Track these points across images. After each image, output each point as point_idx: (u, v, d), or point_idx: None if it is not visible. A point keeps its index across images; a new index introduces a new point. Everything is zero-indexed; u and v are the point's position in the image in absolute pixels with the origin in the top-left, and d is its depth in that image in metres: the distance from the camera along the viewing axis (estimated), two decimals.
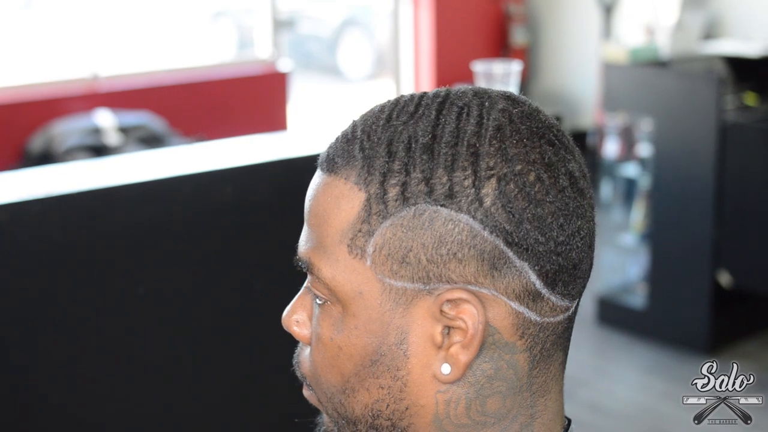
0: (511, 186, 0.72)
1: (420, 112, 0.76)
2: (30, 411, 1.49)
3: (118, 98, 4.54)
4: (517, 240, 0.72)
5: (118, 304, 1.52)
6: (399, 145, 0.75)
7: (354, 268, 0.76)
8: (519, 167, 0.73)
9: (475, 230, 0.72)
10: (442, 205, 0.72)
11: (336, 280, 0.76)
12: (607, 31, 5.89)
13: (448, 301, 0.73)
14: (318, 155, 0.83)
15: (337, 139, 0.80)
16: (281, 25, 5.54)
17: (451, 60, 5.99)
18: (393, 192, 0.74)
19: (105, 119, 4.15)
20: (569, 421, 0.82)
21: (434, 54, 6.01)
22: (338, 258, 0.76)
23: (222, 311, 1.66)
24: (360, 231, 0.75)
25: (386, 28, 6.36)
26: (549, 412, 0.79)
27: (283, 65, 5.39)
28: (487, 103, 0.76)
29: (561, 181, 0.74)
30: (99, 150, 3.94)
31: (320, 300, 0.79)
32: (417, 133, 0.75)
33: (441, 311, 0.74)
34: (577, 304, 0.79)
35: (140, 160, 1.93)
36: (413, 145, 0.74)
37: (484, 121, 0.75)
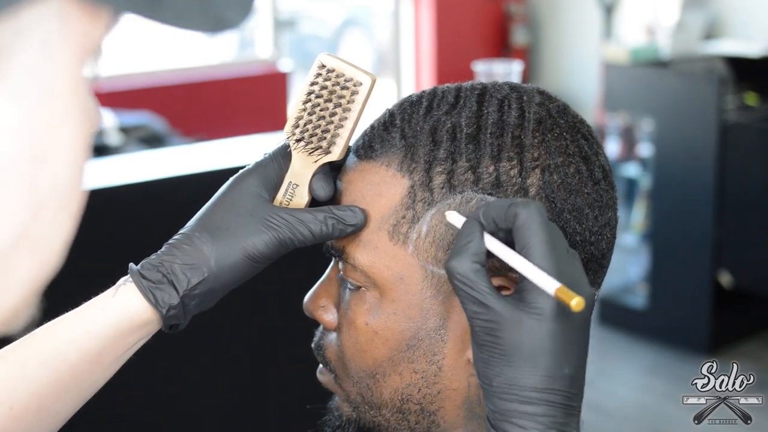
0: (555, 177, 0.75)
1: (461, 102, 0.78)
2: None
3: (119, 98, 4.54)
4: None
5: None
6: (443, 134, 0.76)
7: (394, 254, 0.77)
8: (560, 159, 0.76)
9: None
10: (489, 194, 0.74)
11: (375, 267, 0.77)
12: (607, 31, 5.89)
13: None
14: None
15: (372, 126, 0.81)
16: (282, 25, 5.54)
17: (451, 60, 5.99)
18: (439, 180, 0.75)
19: (105, 119, 4.16)
20: None
21: (435, 54, 6.01)
22: (377, 245, 0.77)
23: (222, 309, 1.66)
24: (404, 217, 0.76)
25: (387, 28, 6.36)
26: None
27: (284, 65, 5.39)
28: (525, 97, 0.79)
29: (596, 173, 0.77)
30: (99, 150, 3.94)
31: (353, 286, 0.79)
32: (461, 122, 0.76)
33: None
34: (598, 292, 0.81)
35: (140, 160, 1.93)
36: (458, 134, 0.76)
37: (526, 114, 0.77)
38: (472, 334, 0.70)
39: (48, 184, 0.40)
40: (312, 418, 0.88)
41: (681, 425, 3.19)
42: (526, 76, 6.20)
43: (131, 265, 0.80)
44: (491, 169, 0.75)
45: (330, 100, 0.81)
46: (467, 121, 0.76)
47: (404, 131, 0.78)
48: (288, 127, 0.82)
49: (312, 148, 0.81)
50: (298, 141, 0.82)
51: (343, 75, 0.81)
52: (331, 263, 0.84)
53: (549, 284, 0.66)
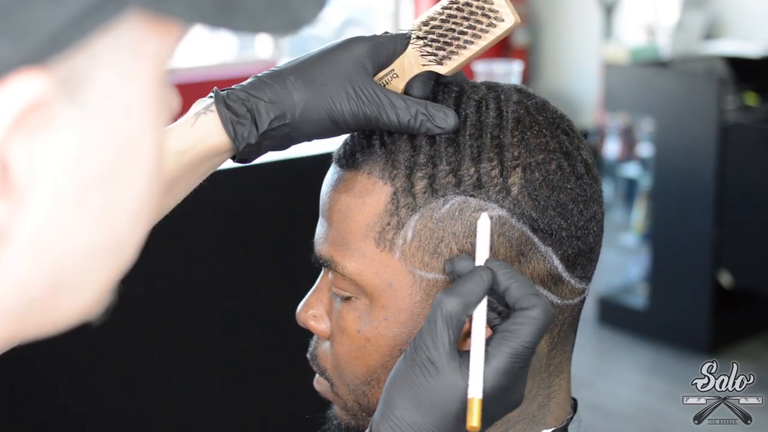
0: (536, 175, 0.75)
1: None
2: (29, 411, 1.49)
3: None
4: (542, 226, 0.75)
5: (118, 305, 1.52)
6: (422, 138, 0.76)
7: (382, 261, 0.77)
8: (541, 156, 0.75)
9: (504, 218, 0.74)
10: (471, 195, 0.74)
11: (363, 275, 0.77)
12: (607, 31, 5.89)
13: None
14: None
15: (352, 136, 0.81)
16: None
17: None
18: (421, 185, 0.75)
19: None
20: (575, 400, 0.84)
21: None
22: (364, 252, 0.77)
23: (223, 311, 1.66)
24: (388, 224, 0.76)
25: (387, 28, 6.36)
26: (562, 392, 0.81)
27: None
28: (502, 96, 0.78)
29: (578, 168, 0.77)
30: None
31: (343, 295, 0.79)
32: None
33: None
34: (589, 286, 0.81)
35: None
36: (437, 138, 0.76)
37: (504, 113, 0.77)
38: (409, 350, 0.71)
39: (124, 196, 0.42)
40: (311, 427, 0.88)
41: (681, 425, 3.19)
42: (526, 76, 6.20)
43: (216, 90, 0.80)
44: (472, 170, 0.75)
45: (467, 19, 0.80)
46: None
47: (384, 138, 0.78)
48: (418, 21, 0.82)
49: (427, 52, 0.81)
50: (419, 38, 0.81)
51: (492, 3, 0.79)
52: (322, 272, 0.84)
53: (474, 388, 0.68)
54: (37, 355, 1.48)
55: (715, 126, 3.65)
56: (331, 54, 0.79)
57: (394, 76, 0.81)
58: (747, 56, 4.29)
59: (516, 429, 0.79)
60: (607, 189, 4.50)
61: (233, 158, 0.82)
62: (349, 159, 0.79)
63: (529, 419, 0.79)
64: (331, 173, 0.82)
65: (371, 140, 0.78)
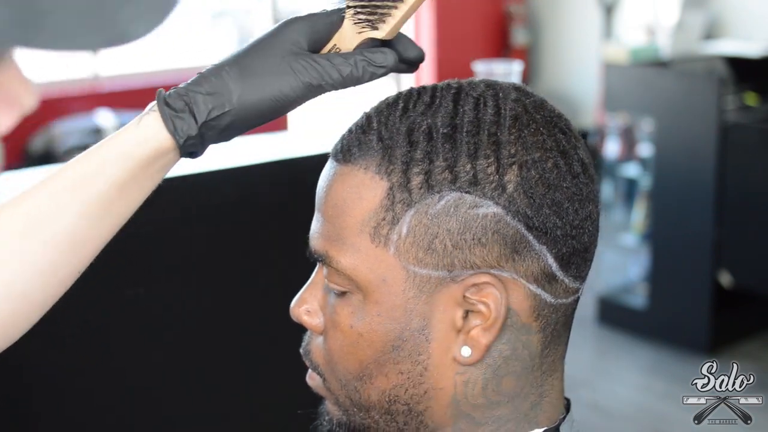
0: (532, 173, 0.75)
1: (437, 102, 0.78)
2: (27, 412, 1.49)
3: (119, 98, 4.54)
4: (537, 224, 0.75)
5: (118, 305, 1.52)
6: (419, 134, 0.76)
7: (376, 256, 0.77)
8: (538, 154, 0.75)
9: (499, 215, 0.74)
10: (466, 192, 0.74)
11: (357, 270, 0.77)
12: (607, 31, 5.89)
13: (473, 285, 0.75)
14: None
15: (350, 130, 0.81)
16: None
17: (451, 60, 5.99)
18: (417, 180, 0.75)
19: (106, 119, 4.16)
20: (568, 400, 0.84)
21: (435, 54, 6.01)
22: (359, 248, 0.77)
23: (222, 310, 1.66)
24: (384, 219, 0.76)
25: None
26: (555, 391, 0.81)
27: None
28: (501, 94, 0.79)
29: (575, 167, 0.77)
30: None
31: (337, 290, 0.79)
32: (437, 122, 0.76)
33: (464, 296, 0.76)
34: (583, 286, 0.82)
35: None
36: (434, 135, 0.76)
37: (502, 111, 0.77)
38: None
39: None
40: (304, 422, 0.88)
41: (681, 425, 3.19)
42: (526, 76, 6.21)
43: (160, 90, 0.82)
44: (468, 167, 0.74)
45: None
46: (443, 120, 0.77)
47: (381, 134, 0.78)
48: None
49: (360, 20, 0.82)
50: (350, 8, 0.82)
51: None
52: (316, 267, 0.84)
53: None
54: (36, 355, 1.48)
55: (715, 126, 3.65)
56: (266, 39, 0.82)
57: (337, 50, 0.83)
58: (747, 56, 4.29)
59: (507, 427, 0.79)
60: (607, 189, 4.50)
61: (184, 155, 0.84)
62: (346, 154, 0.79)
63: (521, 418, 0.79)
64: (328, 168, 0.82)
65: (368, 135, 0.78)
